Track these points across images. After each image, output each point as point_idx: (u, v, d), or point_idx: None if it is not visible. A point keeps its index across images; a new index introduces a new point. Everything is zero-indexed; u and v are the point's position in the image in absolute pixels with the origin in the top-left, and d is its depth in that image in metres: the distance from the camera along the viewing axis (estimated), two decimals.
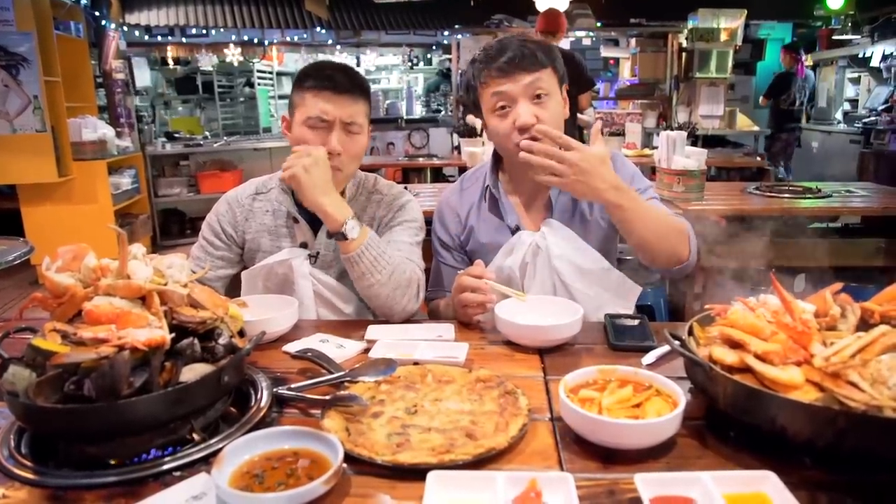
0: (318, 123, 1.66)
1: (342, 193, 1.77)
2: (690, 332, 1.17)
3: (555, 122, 1.69)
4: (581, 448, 1.00)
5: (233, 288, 1.87)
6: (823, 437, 0.89)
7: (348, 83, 1.67)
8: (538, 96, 1.66)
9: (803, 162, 9.49)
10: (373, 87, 10.45)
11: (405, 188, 1.99)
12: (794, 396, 0.93)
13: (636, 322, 1.53)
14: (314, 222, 1.79)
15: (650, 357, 1.32)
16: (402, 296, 1.62)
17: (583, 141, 1.54)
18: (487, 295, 1.53)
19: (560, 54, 1.75)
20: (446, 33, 9.34)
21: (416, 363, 1.30)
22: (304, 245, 1.80)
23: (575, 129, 4.95)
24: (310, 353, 1.34)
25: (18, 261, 2.73)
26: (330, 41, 9.82)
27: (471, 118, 5.92)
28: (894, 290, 1.11)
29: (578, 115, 5.03)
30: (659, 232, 1.59)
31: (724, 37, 7.17)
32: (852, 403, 0.88)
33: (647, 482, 0.85)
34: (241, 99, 10.14)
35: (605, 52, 9.22)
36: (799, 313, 1.06)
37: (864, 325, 1.07)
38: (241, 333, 1.18)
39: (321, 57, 10.23)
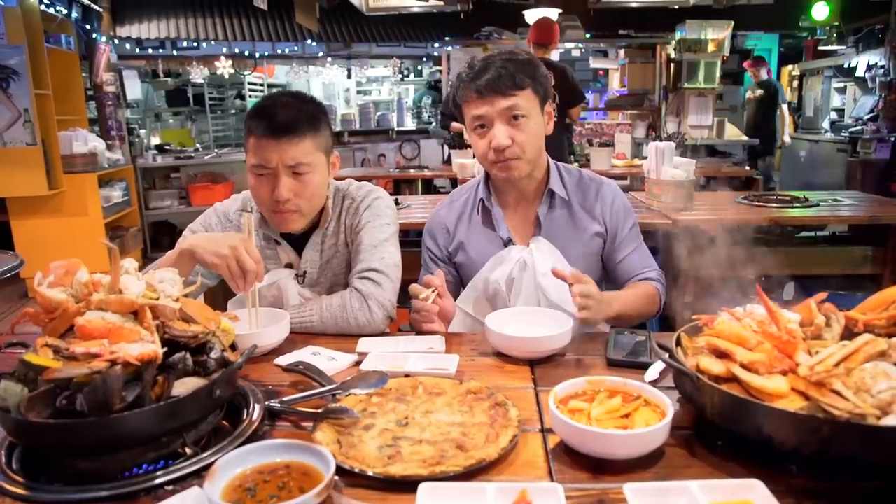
0: (263, 171, 1.62)
1: (320, 214, 1.77)
2: (678, 343, 1.18)
3: (532, 142, 1.73)
4: (571, 458, 1.01)
5: (224, 302, 1.87)
6: (809, 444, 0.90)
7: (287, 122, 1.59)
8: (515, 118, 1.69)
9: (791, 171, 9.57)
10: (363, 99, 10.52)
11: (396, 199, 1.99)
12: (780, 405, 0.94)
13: (639, 338, 1.49)
14: (296, 242, 1.79)
15: (653, 373, 1.30)
16: (346, 321, 1.62)
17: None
18: (429, 303, 1.58)
19: (544, 72, 1.76)
20: (436, 45, 9.38)
21: (407, 375, 1.30)
22: (288, 266, 1.80)
23: (564, 138, 4.98)
24: (301, 366, 1.34)
25: (8, 274, 2.72)
26: (321, 53, 9.84)
27: (456, 125, 5.96)
28: (877, 299, 1.13)
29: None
30: (641, 313, 1.77)
31: (711, 48, 7.25)
32: (836, 412, 0.90)
33: (636, 492, 0.86)
34: (233, 111, 10.16)
35: (595, 63, 9.29)
36: (784, 323, 1.08)
37: (849, 333, 1.09)
38: (233, 347, 1.19)
39: (312, 69, 10.28)
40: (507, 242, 1.84)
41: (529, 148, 1.72)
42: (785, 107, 8.22)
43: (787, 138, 8.43)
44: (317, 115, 1.67)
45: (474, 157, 4.64)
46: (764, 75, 8.15)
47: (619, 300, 1.67)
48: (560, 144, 4.95)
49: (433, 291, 1.58)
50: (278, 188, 1.61)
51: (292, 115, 1.61)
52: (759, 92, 8.07)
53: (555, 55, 6.48)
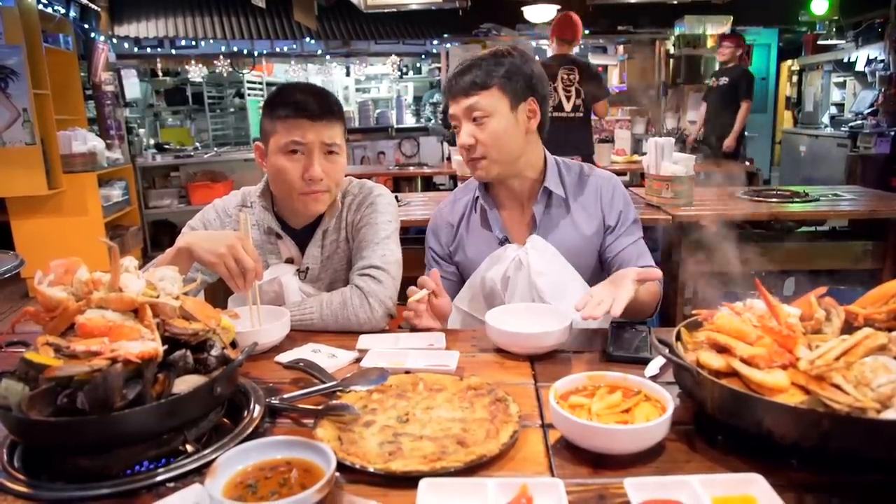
0: (296, 148, 1.63)
1: (332, 205, 1.77)
2: (678, 338, 1.18)
3: (497, 142, 1.73)
4: (571, 454, 1.01)
5: (224, 299, 1.87)
6: (809, 438, 0.90)
7: (321, 108, 1.63)
8: (475, 118, 1.71)
9: (791, 166, 9.57)
10: (362, 97, 10.52)
11: (395, 197, 1.99)
12: (780, 399, 0.94)
13: (639, 332, 1.49)
14: (298, 237, 1.79)
15: (653, 368, 1.30)
16: (346, 318, 1.62)
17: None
18: (417, 306, 1.58)
19: (527, 70, 1.74)
20: (435, 42, 9.38)
21: (407, 372, 1.30)
22: (289, 261, 1.80)
23: (589, 132, 4.97)
24: (302, 364, 1.34)
25: (9, 274, 2.72)
26: (319, 51, 9.84)
27: None
28: (877, 293, 1.13)
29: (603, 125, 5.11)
30: (644, 301, 1.65)
31: (710, 43, 7.25)
32: (837, 405, 0.90)
33: (636, 486, 0.86)
34: (231, 110, 10.15)
35: (594, 59, 9.28)
36: (784, 317, 1.08)
37: (849, 327, 1.08)
38: (234, 345, 1.19)
39: (311, 67, 10.28)
40: (503, 241, 1.83)
41: (493, 148, 1.72)
42: (746, 105, 6.26)
43: (729, 141, 6.24)
44: (340, 107, 1.71)
45: None
46: (735, 58, 6.44)
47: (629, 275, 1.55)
48: (586, 139, 4.95)
49: (424, 292, 1.58)
50: (313, 167, 1.63)
51: (325, 98, 1.66)
52: (724, 79, 6.40)
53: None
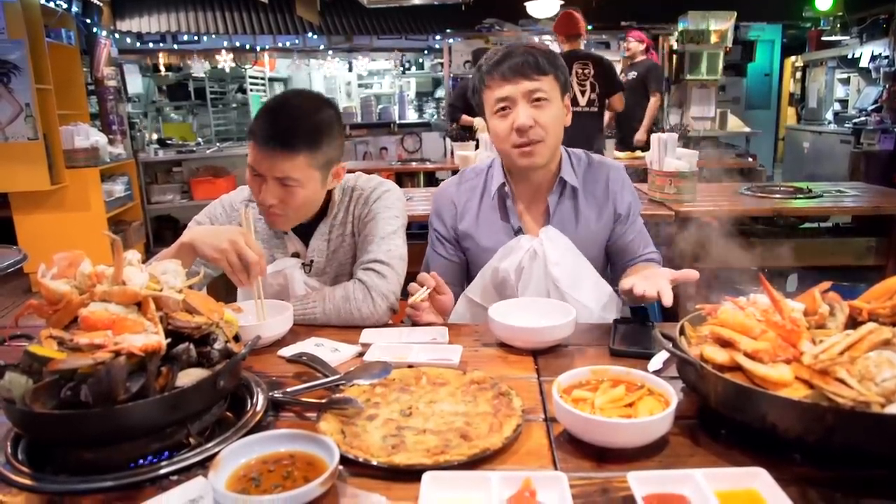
0: (254, 173, 1.61)
1: (326, 204, 1.77)
2: (682, 332, 1.18)
3: (553, 126, 1.73)
4: (575, 447, 1.01)
5: (227, 293, 1.87)
6: (813, 433, 0.90)
7: (282, 137, 1.54)
8: (537, 100, 1.70)
9: (794, 162, 9.55)
10: (365, 92, 10.51)
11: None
12: (784, 394, 0.94)
13: (642, 327, 1.50)
14: (303, 232, 1.79)
15: (656, 363, 1.29)
16: (349, 312, 1.62)
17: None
18: (419, 304, 1.62)
19: (564, 64, 1.77)
20: (438, 37, 9.36)
21: (410, 366, 1.30)
22: (295, 255, 1.80)
23: (599, 126, 4.96)
24: (305, 357, 1.34)
25: (12, 269, 2.73)
26: (322, 46, 9.82)
27: (466, 118, 5.97)
28: (881, 288, 1.12)
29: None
30: None
31: (714, 39, 7.22)
32: (841, 400, 0.89)
33: (640, 480, 0.86)
34: (234, 105, 10.16)
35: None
36: (788, 312, 1.07)
37: (853, 322, 1.08)
38: (237, 338, 1.19)
39: (313, 62, 10.27)
40: (518, 232, 1.84)
41: (551, 132, 1.72)
42: (656, 98, 6.10)
43: (640, 135, 5.97)
44: (318, 130, 1.60)
45: (476, 149, 4.64)
46: (640, 53, 6.35)
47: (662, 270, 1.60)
48: (598, 134, 4.94)
49: (426, 290, 1.59)
50: (263, 193, 1.60)
51: (291, 129, 1.56)
52: (633, 74, 6.28)
53: (554, 48, 6.43)
